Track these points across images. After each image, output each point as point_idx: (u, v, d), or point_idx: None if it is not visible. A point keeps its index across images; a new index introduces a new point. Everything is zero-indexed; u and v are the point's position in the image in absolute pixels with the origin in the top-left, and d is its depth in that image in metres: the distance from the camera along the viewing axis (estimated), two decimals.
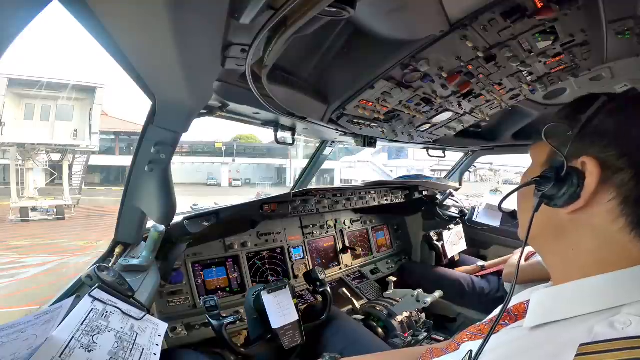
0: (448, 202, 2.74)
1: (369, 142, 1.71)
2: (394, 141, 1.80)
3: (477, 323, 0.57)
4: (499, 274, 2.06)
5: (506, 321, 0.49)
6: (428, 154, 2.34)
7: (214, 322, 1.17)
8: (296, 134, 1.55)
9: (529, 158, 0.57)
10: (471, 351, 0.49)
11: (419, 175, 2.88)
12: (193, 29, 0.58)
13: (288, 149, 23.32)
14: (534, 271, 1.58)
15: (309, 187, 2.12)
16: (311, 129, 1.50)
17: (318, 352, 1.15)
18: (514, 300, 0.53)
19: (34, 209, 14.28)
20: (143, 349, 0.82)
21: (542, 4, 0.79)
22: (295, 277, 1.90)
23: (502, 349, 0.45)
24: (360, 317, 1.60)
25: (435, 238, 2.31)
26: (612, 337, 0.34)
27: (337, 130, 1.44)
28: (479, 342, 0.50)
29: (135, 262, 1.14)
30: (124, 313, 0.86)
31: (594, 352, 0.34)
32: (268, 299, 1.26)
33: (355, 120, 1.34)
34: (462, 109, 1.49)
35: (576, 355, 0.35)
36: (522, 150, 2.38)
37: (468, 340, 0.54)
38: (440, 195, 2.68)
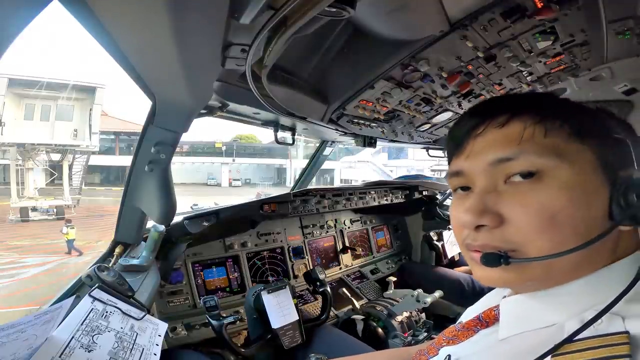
0: (448, 202, 2.73)
1: (369, 142, 1.71)
2: (394, 141, 1.80)
3: (452, 326, 0.57)
4: None
5: (478, 327, 0.49)
6: (428, 154, 2.34)
7: (214, 322, 1.17)
8: (296, 134, 1.55)
9: None
10: (449, 356, 0.50)
11: (419, 175, 2.88)
12: (193, 29, 0.57)
13: (288, 149, 23.34)
14: None
15: (309, 187, 2.12)
16: (311, 129, 1.50)
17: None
18: (485, 304, 0.54)
19: (34, 209, 14.32)
20: (143, 349, 0.82)
21: (542, 4, 0.79)
22: (295, 277, 1.90)
23: (478, 356, 0.46)
24: (360, 317, 1.60)
25: (435, 238, 2.31)
26: (587, 335, 0.34)
27: (337, 130, 1.44)
28: (455, 347, 0.51)
29: (135, 262, 1.14)
30: (124, 313, 0.86)
31: (569, 351, 0.34)
32: (268, 299, 1.26)
33: (355, 120, 1.34)
34: (462, 109, 1.49)
35: (552, 356, 0.35)
36: None
37: (446, 345, 0.54)
38: (440, 195, 2.68)
